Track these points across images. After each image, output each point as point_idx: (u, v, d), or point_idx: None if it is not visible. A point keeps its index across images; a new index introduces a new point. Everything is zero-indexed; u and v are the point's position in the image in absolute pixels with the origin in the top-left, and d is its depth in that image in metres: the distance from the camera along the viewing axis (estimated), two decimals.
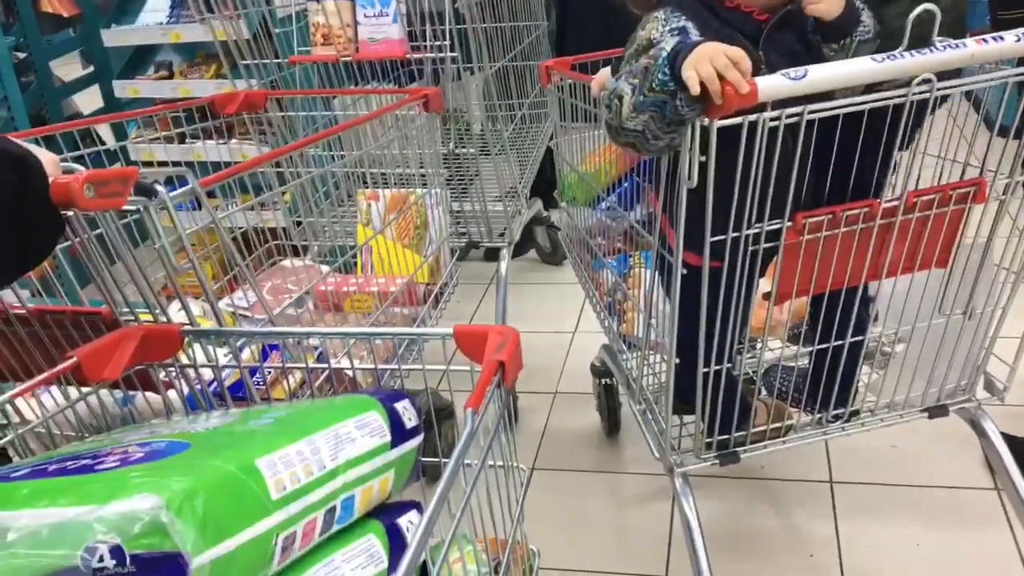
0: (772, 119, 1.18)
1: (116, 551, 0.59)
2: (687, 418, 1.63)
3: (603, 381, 2.26)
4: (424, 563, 0.76)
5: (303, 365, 1.07)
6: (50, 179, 0.93)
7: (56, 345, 1.21)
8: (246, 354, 1.15)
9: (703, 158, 1.19)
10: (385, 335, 1.00)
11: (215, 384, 1.13)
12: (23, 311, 1.21)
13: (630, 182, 2.04)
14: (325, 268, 1.68)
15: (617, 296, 1.97)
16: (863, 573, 1.82)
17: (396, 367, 1.02)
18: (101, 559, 0.59)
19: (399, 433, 0.92)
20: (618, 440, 2.34)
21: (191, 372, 1.07)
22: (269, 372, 1.15)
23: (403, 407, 0.95)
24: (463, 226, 2.72)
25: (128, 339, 1.03)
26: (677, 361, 1.46)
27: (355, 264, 1.88)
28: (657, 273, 1.58)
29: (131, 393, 1.06)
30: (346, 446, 0.81)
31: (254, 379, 1.12)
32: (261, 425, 0.81)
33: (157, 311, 1.14)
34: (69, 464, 0.71)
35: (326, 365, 1.05)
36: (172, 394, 1.09)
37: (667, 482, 1.70)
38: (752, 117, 1.17)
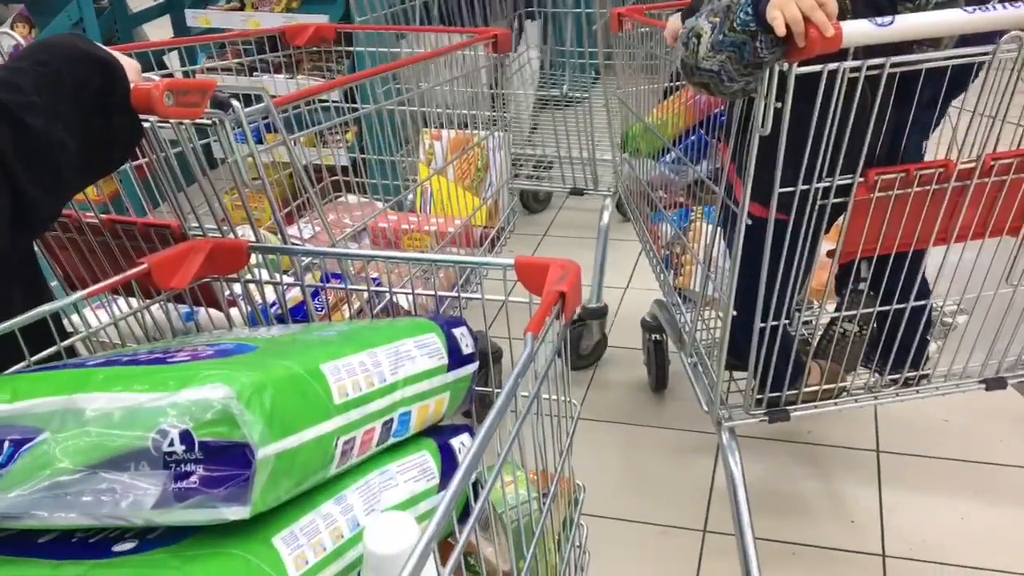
0: (853, 69, 1.15)
1: (186, 436, 0.61)
2: (738, 374, 1.62)
3: (653, 337, 2.25)
4: (475, 483, 0.78)
5: (364, 287, 1.08)
6: (131, 84, 0.95)
7: (125, 256, 1.24)
8: (308, 279, 1.17)
9: (778, 104, 1.17)
10: (447, 262, 1.01)
11: (276, 307, 1.15)
12: (95, 220, 1.24)
13: (697, 136, 2.02)
14: (380, 204, 1.68)
15: (675, 250, 1.95)
16: (905, 542, 1.81)
17: (456, 295, 1.03)
18: (171, 443, 0.61)
19: (456, 358, 0.93)
20: (663, 396, 2.35)
21: (254, 292, 1.09)
22: (327, 302, 1.17)
23: (460, 333, 0.96)
24: (568, 172, 2.75)
25: (197, 251, 1.05)
26: (734, 314, 1.45)
27: (413, 204, 1.90)
28: (720, 226, 1.57)
29: (195, 308, 1.08)
30: (405, 363, 0.83)
31: (314, 302, 1.14)
32: (325, 336, 0.83)
33: (225, 228, 1.17)
34: (141, 357, 0.73)
35: (387, 289, 1.06)
36: (234, 312, 1.12)
37: (710, 440, 1.71)
38: (832, 65, 1.15)
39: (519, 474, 0.92)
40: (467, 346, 0.97)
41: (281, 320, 1.10)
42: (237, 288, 1.09)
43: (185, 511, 0.61)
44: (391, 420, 0.80)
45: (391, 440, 0.81)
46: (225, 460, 0.61)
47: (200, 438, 0.61)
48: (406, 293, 1.07)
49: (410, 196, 1.84)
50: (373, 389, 0.76)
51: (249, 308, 1.08)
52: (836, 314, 1.56)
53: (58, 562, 0.64)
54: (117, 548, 0.64)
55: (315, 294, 1.16)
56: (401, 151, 1.90)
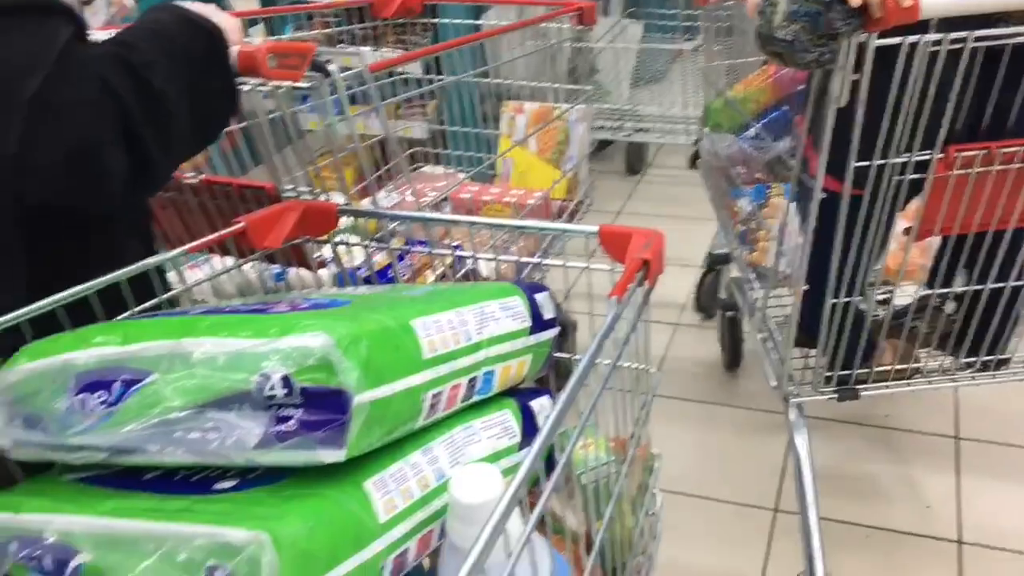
0: (934, 43, 1.13)
1: (287, 381, 0.63)
2: (809, 352, 1.61)
3: (728, 314, 2.25)
4: (553, 444, 0.80)
5: (448, 252, 1.10)
6: (235, 47, 0.98)
7: (220, 217, 1.29)
8: (393, 245, 1.21)
9: (856, 76, 1.15)
10: (531, 228, 1.02)
11: (363, 269, 1.19)
12: (194, 181, 1.29)
13: (779, 112, 1.99)
14: (461, 175, 1.71)
15: (751, 225, 1.94)
16: (981, 530, 1.78)
17: (537, 260, 1.05)
18: (273, 387, 0.64)
19: (538, 322, 0.95)
20: (736, 375, 2.34)
21: (343, 254, 1.13)
22: (412, 267, 1.20)
23: (542, 298, 0.98)
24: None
25: (290, 211, 1.09)
26: (806, 287, 1.44)
27: (494, 176, 1.92)
28: (794, 201, 1.56)
29: (286, 268, 1.12)
30: (490, 323, 0.85)
31: (399, 264, 1.17)
32: (413, 294, 0.85)
33: (318, 191, 1.20)
34: (242, 308, 0.76)
35: (470, 254, 1.09)
36: (323, 272, 1.15)
37: (783, 420, 1.70)
38: (913, 38, 1.12)
39: (597, 438, 0.93)
40: (548, 311, 0.98)
41: (368, 282, 1.14)
42: (325, 251, 1.13)
43: (284, 452, 0.64)
44: (476, 378, 0.82)
45: (475, 398, 0.84)
46: (323, 405, 0.64)
47: (300, 383, 0.64)
48: (489, 258, 1.09)
49: (491, 168, 1.87)
50: (460, 346, 0.79)
51: (337, 269, 1.12)
52: (924, 292, 1.54)
53: (163, 496, 0.68)
54: (218, 486, 0.68)
55: (400, 258, 1.20)
56: (483, 123, 1.93)
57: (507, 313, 0.89)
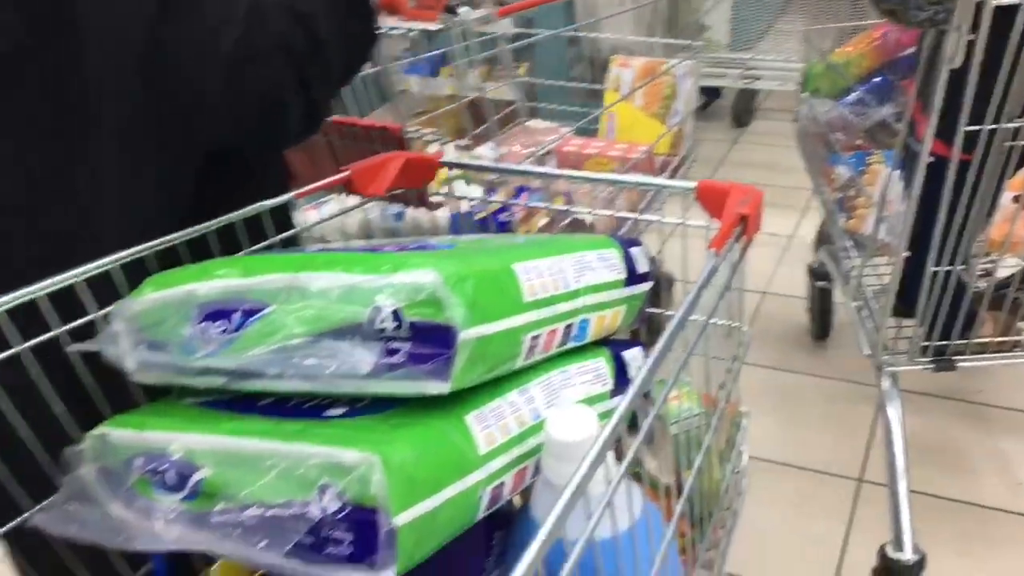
0: None
1: (397, 315, 0.67)
2: (905, 322, 1.59)
3: (819, 284, 2.22)
4: (645, 394, 0.82)
5: (549, 205, 1.12)
6: None
7: (346, 156, 1.36)
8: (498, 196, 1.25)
9: (971, 37, 1.12)
10: (629, 183, 1.03)
11: (479, 209, 1.23)
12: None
13: (882, 79, 1.95)
14: (565, 129, 1.72)
15: (849, 192, 1.91)
16: None
17: (635, 216, 1.06)
18: (384, 320, 0.67)
19: (632, 274, 0.96)
20: (825, 346, 2.31)
21: (456, 197, 1.17)
22: (515, 215, 1.23)
23: (637, 252, 0.99)
24: None
25: (393, 161, 1.12)
26: (907, 255, 1.41)
27: (595, 131, 1.93)
28: (899, 167, 1.53)
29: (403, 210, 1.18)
30: (587, 273, 0.87)
31: (503, 214, 1.21)
32: (515, 242, 0.88)
33: (439, 135, 1.25)
34: (354, 247, 0.80)
35: (569, 208, 1.10)
36: (439, 213, 1.20)
37: (871, 392, 1.68)
38: None
39: (686, 389, 0.95)
40: (643, 265, 1.00)
41: (483, 224, 1.18)
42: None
43: (392, 382, 0.67)
44: (572, 325, 0.84)
45: (570, 344, 0.86)
46: (430, 339, 0.67)
47: (409, 318, 0.67)
48: (588, 212, 1.10)
49: (593, 123, 1.89)
50: (558, 293, 0.81)
51: (452, 211, 1.16)
52: None
53: (278, 420, 0.72)
54: (329, 412, 0.72)
55: (503, 209, 1.23)
56: (587, 78, 1.94)
57: (603, 264, 0.91)
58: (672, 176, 1.91)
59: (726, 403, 0.98)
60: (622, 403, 0.63)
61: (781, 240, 2.73)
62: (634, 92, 1.93)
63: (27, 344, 0.81)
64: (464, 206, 1.16)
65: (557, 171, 1.08)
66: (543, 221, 1.30)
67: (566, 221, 1.15)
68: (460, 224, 1.16)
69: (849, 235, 1.85)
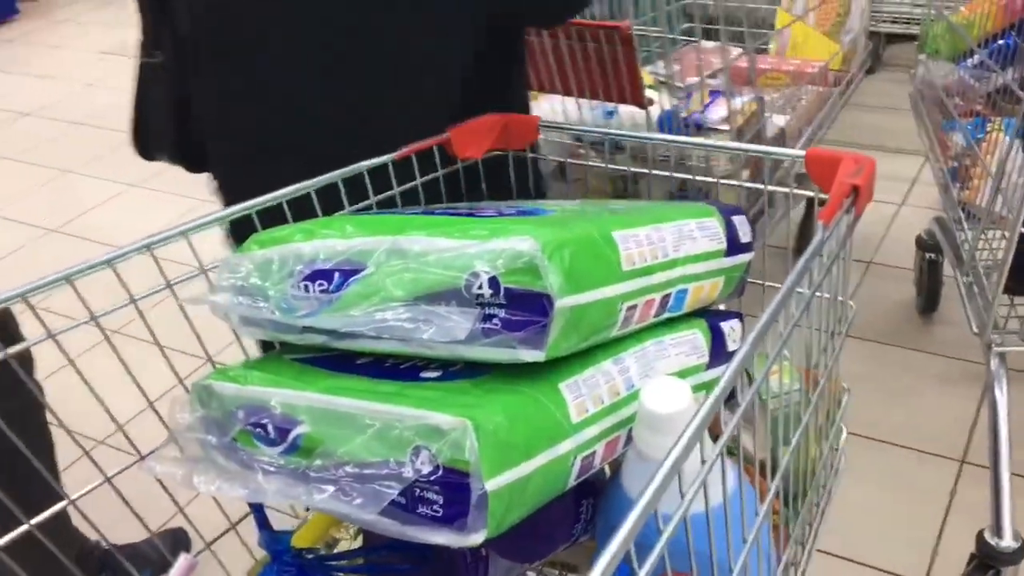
0: None
1: (493, 281, 0.67)
2: (1017, 300, 1.52)
3: (928, 256, 2.13)
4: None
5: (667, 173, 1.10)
6: None
7: (572, 58, 1.55)
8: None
9: None
10: (737, 150, 1.01)
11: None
12: None
13: (1007, 39, 1.85)
14: (736, 50, 1.79)
15: (965, 161, 1.82)
16: None
17: (759, 186, 1.03)
18: (481, 286, 0.67)
19: (733, 245, 0.94)
20: (931, 319, 2.23)
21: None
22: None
23: (740, 221, 0.97)
24: None
25: (493, 124, 1.12)
26: (1023, 231, 1.35)
27: (766, 48, 1.93)
28: (1019, 137, 1.45)
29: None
30: (687, 242, 0.85)
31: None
32: (615, 208, 0.86)
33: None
34: (451, 210, 0.80)
35: (687, 176, 1.08)
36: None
37: (977, 370, 1.61)
38: None
39: (785, 364, 0.92)
40: (744, 235, 0.97)
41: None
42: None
43: (487, 348, 0.67)
44: (669, 295, 0.83)
45: (666, 315, 0.85)
46: (526, 307, 0.66)
47: (505, 284, 0.66)
48: (710, 181, 1.08)
49: (769, 42, 1.92)
50: (656, 262, 0.80)
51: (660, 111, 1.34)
52: None
53: (375, 380, 0.73)
54: (424, 375, 0.73)
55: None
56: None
57: (704, 233, 0.89)
58: (845, 91, 2.00)
59: (827, 380, 0.95)
60: (724, 376, 0.61)
61: (889, 208, 2.63)
62: (808, 12, 2.00)
63: (137, 297, 0.84)
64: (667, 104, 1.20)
65: (668, 137, 1.05)
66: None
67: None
68: (668, 122, 1.35)
69: (962, 206, 1.77)
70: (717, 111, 1.71)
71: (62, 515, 0.83)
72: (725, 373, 0.61)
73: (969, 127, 1.84)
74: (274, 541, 0.81)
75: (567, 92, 1.70)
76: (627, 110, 1.66)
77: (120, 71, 4.13)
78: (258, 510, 0.82)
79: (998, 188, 1.51)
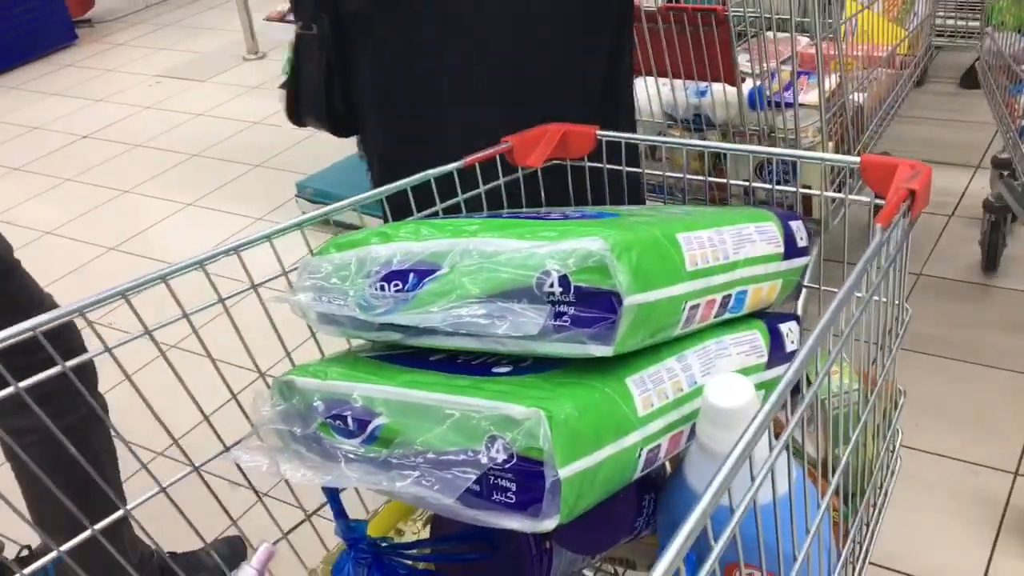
0: None
1: (564, 280, 0.70)
2: None
3: (991, 217, 2.23)
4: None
5: (701, 176, 1.13)
6: None
7: (670, 43, 1.77)
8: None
9: None
10: (785, 155, 1.03)
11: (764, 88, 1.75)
12: (653, 8, 1.68)
13: None
14: (804, 40, 1.94)
15: None
16: None
17: (824, 192, 1.06)
18: (552, 284, 0.70)
19: (791, 249, 0.96)
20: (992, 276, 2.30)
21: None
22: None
23: (796, 226, 0.99)
24: None
25: (552, 133, 1.15)
26: None
27: (832, 38, 1.99)
28: None
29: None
30: (746, 245, 0.88)
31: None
32: (676, 212, 0.89)
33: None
34: (518, 214, 0.84)
35: (724, 180, 1.11)
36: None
37: None
38: None
39: (844, 365, 0.94)
40: (801, 239, 0.99)
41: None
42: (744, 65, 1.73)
43: (558, 344, 0.71)
44: (729, 296, 0.86)
45: (726, 315, 0.87)
46: (595, 304, 0.70)
47: (576, 283, 0.70)
48: (736, 184, 1.10)
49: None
50: (718, 264, 0.82)
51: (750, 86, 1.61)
52: None
53: (449, 375, 0.77)
54: (496, 370, 0.76)
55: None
56: None
57: (762, 237, 0.91)
58: (913, 74, 2.22)
59: (884, 380, 0.97)
60: (789, 371, 0.64)
61: (939, 220, 2.62)
62: (875, 1, 2.08)
63: (190, 312, 0.89)
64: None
65: (690, 141, 1.08)
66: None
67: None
68: (757, 98, 1.64)
69: None
70: (804, 89, 1.91)
71: (123, 523, 0.86)
72: (789, 369, 0.64)
73: None
74: (350, 530, 0.85)
75: (662, 74, 1.91)
76: (718, 88, 1.87)
77: (174, 94, 4.27)
78: (334, 500, 0.86)
79: None
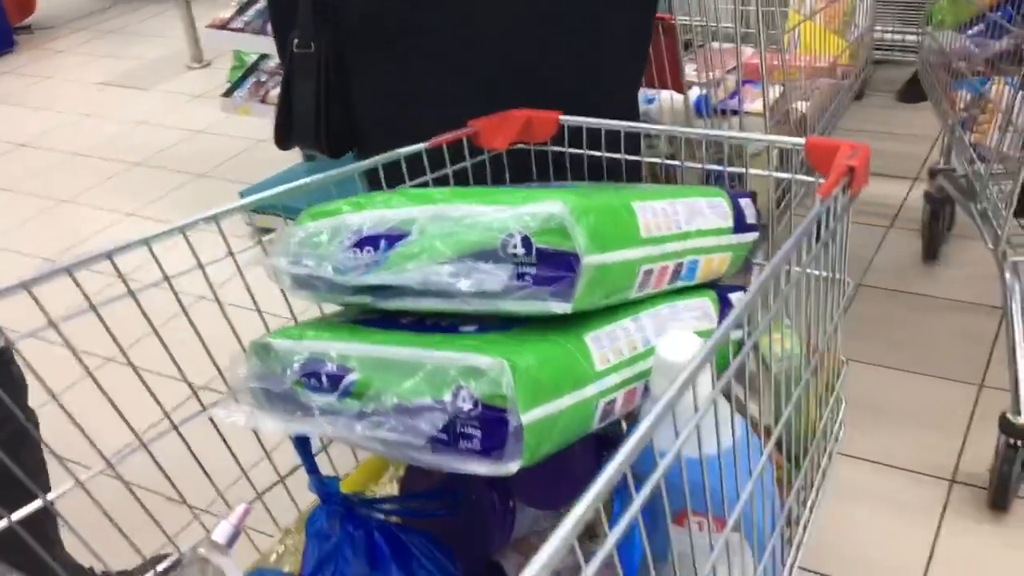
0: None
1: (526, 241, 0.75)
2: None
3: (931, 209, 2.38)
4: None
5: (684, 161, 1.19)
6: None
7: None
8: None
9: None
10: (735, 139, 1.09)
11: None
12: None
13: (1003, 11, 2.06)
14: (749, 50, 2.00)
15: (973, 111, 2.00)
16: None
17: (734, 170, 1.12)
18: (515, 246, 0.75)
19: (740, 224, 1.02)
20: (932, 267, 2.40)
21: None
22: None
23: (746, 203, 1.05)
24: None
25: (515, 118, 1.21)
26: None
27: (776, 49, 2.07)
28: (1021, 91, 1.71)
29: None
30: (697, 217, 0.94)
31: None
32: (631, 187, 0.95)
33: None
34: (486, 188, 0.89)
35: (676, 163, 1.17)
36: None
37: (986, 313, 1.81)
38: None
39: (786, 330, 1.01)
40: (751, 216, 1.06)
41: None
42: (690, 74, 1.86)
43: (520, 301, 0.76)
44: (682, 264, 0.91)
45: (679, 283, 0.93)
46: (555, 264, 0.75)
47: (537, 244, 0.75)
48: (689, 167, 1.17)
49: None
50: (670, 232, 0.88)
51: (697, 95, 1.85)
52: None
53: (419, 334, 0.82)
54: (463, 329, 0.81)
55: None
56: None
57: (713, 211, 0.97)
58: (854, 84, 2.36)
59: (826, 350, 1.03)
60: (721, 327, 0.70)
61: (878, 231, 2.71)
62: (816, 13, 2.17)
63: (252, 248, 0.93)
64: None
65: (665, 128, 1.14)
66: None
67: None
68: (704, 105, 1.78)
69: (973, 147, 1.94)
70: (749, 98, 2.02)
71: (49, 532, 0.84)
72: (724, 322, 0.69)
73: (976, 84, 2.01)
74: (324, 485, 0.89)
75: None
76: (666, 95, 1.97)
77: (117, 101, 4.21)
78: (307, 457, 0.91)
79: (1004, 128, 1.75)
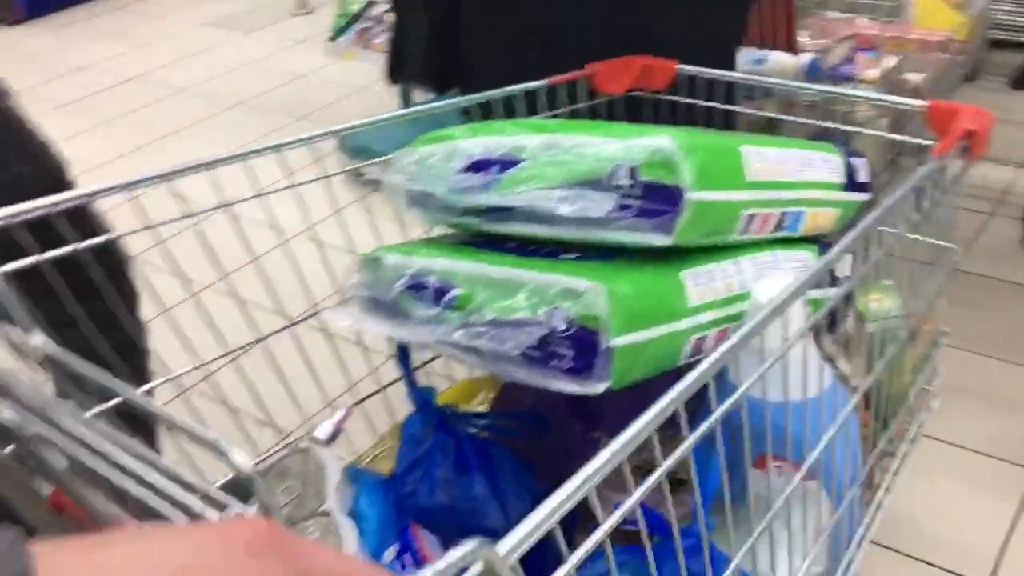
0: None
1: (633, 173, 0.77)
2: None
3: None
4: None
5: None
6: None
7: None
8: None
9: None
10: (855, 97, 1.08)
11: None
12: None
13: None
14: (864, 20, 2.06)
15: None
16: None
17: (846, 128, 1.11)
18: (622, 176, 0.78)
19: (851, 183, 1.02)
20: None
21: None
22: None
23: (859, 162, 1.04)
24: None
25: (634, 64, 1.22)
26: None
27: (890, 22, 2.06)
28: None
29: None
30: (808, 169, 0.94)
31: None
32: (747, 134, 0.96)
33: None
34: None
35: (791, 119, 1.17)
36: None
37: None
38: None
39: (889, 291, 1.00)
40: (863, 176, 1.05)
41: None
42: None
43: (622, 232, 0.78)
44: (787, 214, 0.92)
45: (782, 233, 0.93)
46: (659, 197, 0.77)
47: (643, 177, 0.77)
48: (804, 123, 1.16)
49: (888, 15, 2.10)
50: (780, 180, 0.89)
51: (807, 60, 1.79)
52: None
53: (523, 258, 0.85)
54: (563, 256, 0.84)
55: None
56: None
57: (826, 165, 0.97)
58: (967, 63, 2.31)
59: (928, 314, 1.02)
60: (821, 261, 0.71)
61: (980, 217, 2.61)
62: None
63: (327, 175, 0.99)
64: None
65: (771, 80, 1.14)
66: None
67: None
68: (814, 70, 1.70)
69: None
70: (862, 64, 2.00)
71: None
72: (823, 259, 0.70)
73: None
74: (421, 394, 0.94)
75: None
76: (776, 58, 1.92)
77: (220, 43, 4.32)
78: (407, 370, 0.96)
79: None
